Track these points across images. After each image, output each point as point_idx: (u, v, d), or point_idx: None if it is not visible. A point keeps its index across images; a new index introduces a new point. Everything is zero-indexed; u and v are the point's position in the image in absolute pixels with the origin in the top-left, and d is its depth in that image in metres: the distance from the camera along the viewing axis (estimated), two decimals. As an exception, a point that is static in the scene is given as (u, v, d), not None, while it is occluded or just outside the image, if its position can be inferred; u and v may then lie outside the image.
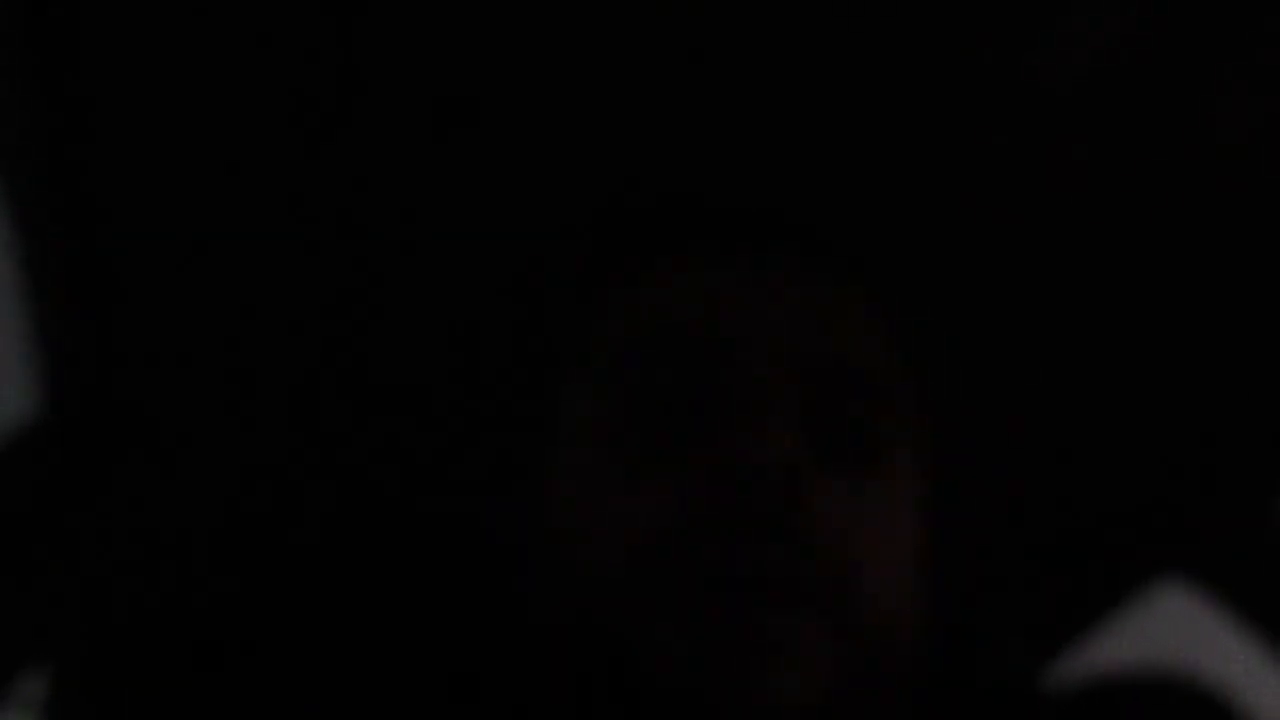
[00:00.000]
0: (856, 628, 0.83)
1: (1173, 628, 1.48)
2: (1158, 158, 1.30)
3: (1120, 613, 1.50)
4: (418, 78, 1.24)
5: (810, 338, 0.89)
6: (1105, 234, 1.34)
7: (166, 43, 1.26)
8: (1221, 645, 1.45)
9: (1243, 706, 0.89)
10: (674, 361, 0.88)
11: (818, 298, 0.91)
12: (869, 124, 1.28)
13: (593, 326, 0.94)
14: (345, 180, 1.30)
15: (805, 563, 0.83)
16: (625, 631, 0.83)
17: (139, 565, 1.33)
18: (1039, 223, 1.33)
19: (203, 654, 0.98)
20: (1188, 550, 1.49)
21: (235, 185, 1.31)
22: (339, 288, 1.34)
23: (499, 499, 0.96)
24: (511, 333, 1.09)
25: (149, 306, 1.35)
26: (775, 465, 0.82)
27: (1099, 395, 1.41)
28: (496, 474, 0.97)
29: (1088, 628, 1.50)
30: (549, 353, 0.96)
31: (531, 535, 0.91)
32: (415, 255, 1.32)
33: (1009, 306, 1.37)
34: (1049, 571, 1.48)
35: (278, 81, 1.26)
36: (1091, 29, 1.23)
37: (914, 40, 1.25)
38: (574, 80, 1.22)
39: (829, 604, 0.83)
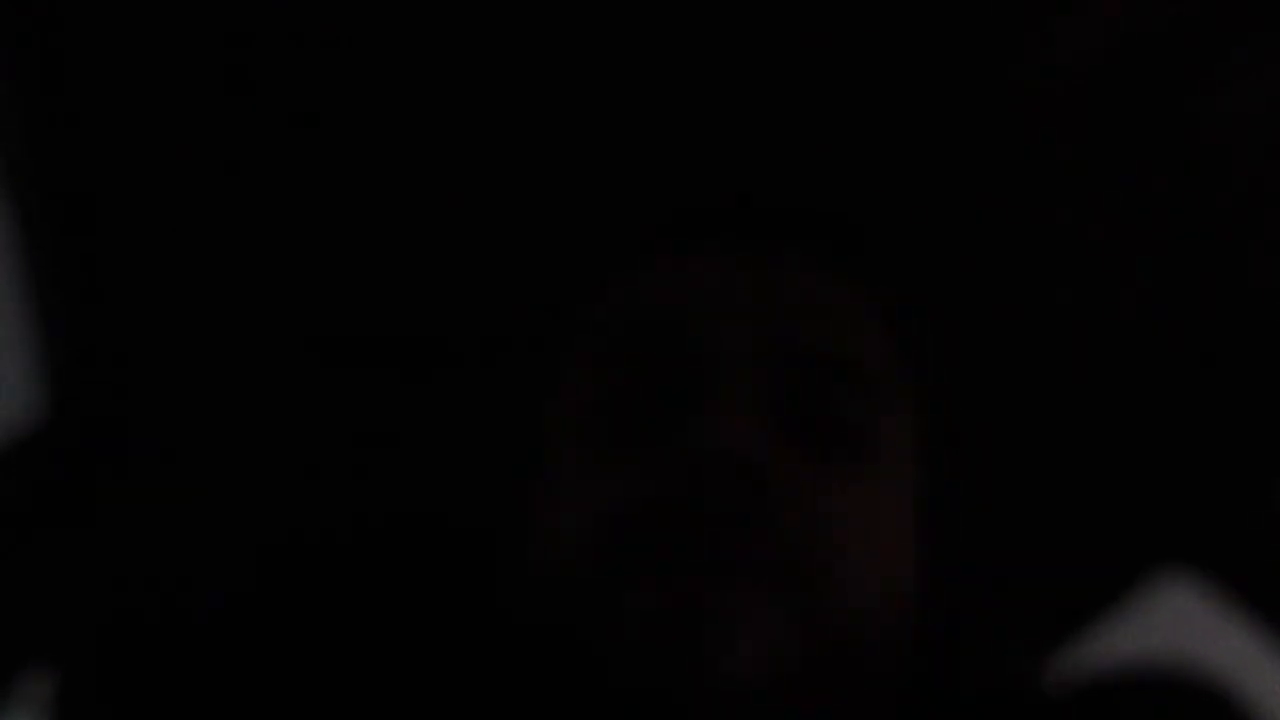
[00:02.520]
0: (824, 613, 0.83)
1: (1175, 621, 1.48)
2: (1150, 157, 1.31)
3: (1122, 606, 1.50)
4: (418, 76, 1.25)
5: (787, 326, 0.88)
6: (1103, 231, 1.34)
7: (167, 45, 1.26)
8: (1224, 637, 1.45)
9: (1245, 699, 0.89)
10: (643, 353, 0.88)
11: (802, 288, 0.91)
12: (863, 120, 1.28)
13: (576, 326, 0.94)
14: (343, 181, 1.30)
15: (765, 546, 0.82)
16: (583, 615, 0.84)
17: (143, 565, 1.33)
18: (1040, 221, 1.34)
19: (200, 654, 0.98)
20: (1189, 543, 1.49)
21: (237, 187, 1.31)
22: (338, 289, 1.34)
23: (495, 497, 0.96)
24: (503, 335, 1.10)
25: (152, 311, 1.35)
26: (736, 450, 0.83)
27: (1098, 390, 1.41)
28: (493, 475, 0.97)
29: (1089, 621, 1.50)
30: (538, 355, 0.97)
31: (514, 530, 0.91)
32: (405, 253, 1.32)
33: (1009, 304, 1.37)
34: (1050, 565, 1.48)
35: (283, 78, 1.26)
36: (1082, 31, 1.23)
37: (907, 40, 1.25)
38: (571, 77, 1.22)
39: (792, 586, 0.82)
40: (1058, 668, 1.49)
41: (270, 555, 1.07)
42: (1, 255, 1.31)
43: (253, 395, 1.38)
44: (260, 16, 1.24)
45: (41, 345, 1.33)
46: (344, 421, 1.38)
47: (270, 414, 1.39)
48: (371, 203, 1.32)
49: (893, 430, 0.89)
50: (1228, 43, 1.25)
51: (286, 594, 1.03)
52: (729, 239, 0.93)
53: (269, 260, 1.34)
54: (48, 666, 1.22)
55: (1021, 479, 1.45)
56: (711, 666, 0.80)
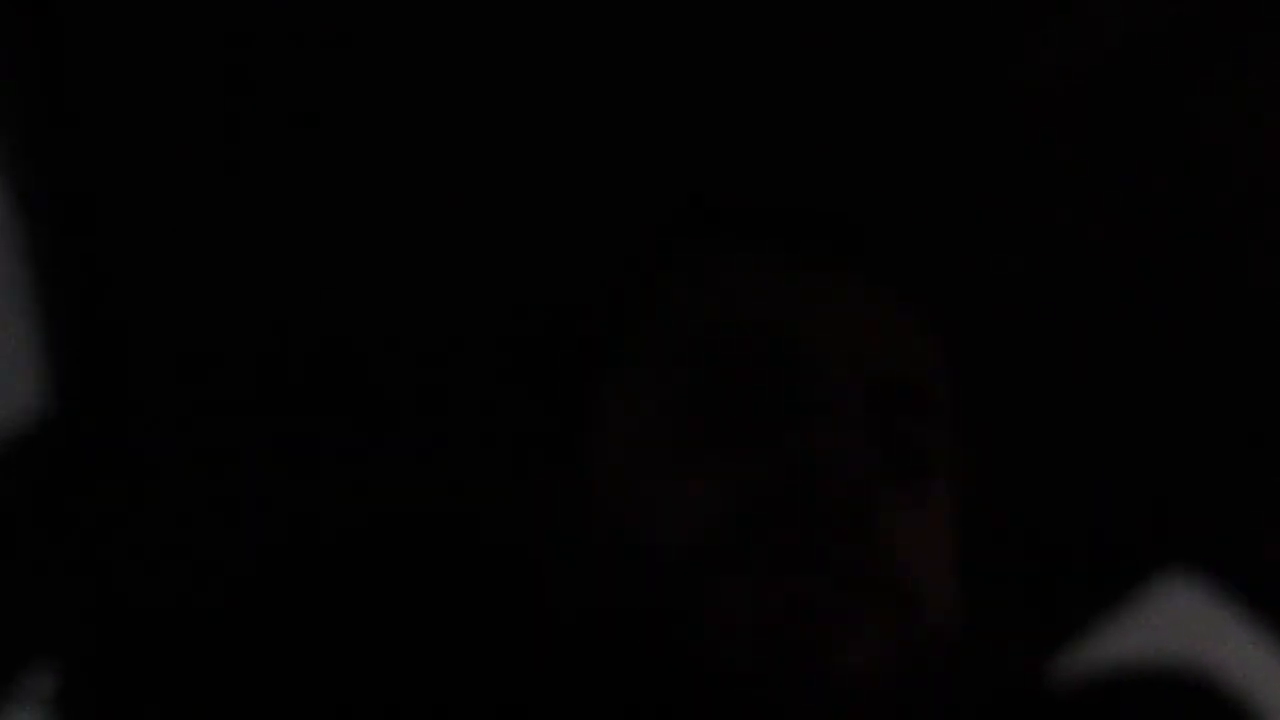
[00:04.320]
0: (910, 632, 0.84)
1: (1178, 621, 1.48)
2: (1161, 159, 1.31)
3: (1126, 607, 1.50)
4: (467, 67, 1.25)
5: (878, 349, 0.90)
6: (1103, 231, 1.34)
7: (167, 45, 1.26)
8: (1227, 638, 1.45)
9: (1249, 700, 0.89)
10: (749, 352, 0.89)
11: (884, 310, 0.93)
12: (862, 121, 1.28)
13: (655, 311, 0.94)
14: (373, 168, 1.30)
15: (871, 562, 0.84)
16: (688, 608, 0.84)
17: (146, 563, 1.33)
18: (1040, 221, 1.34)
19: (218, 650, 0.97)
20: (1192, 543, 1.49)
21: (237, 187, 1.31)
22: (368, 272, 1.34)
23: (535, 483, 0.96)
24: (556, 317, 1.09)
25: (152, 310, 1.35)
26: (852, 463, 0.84)
27: (1099, 390, 1.41)
28: (533, 457, 0.97)
29: (1094, 622, 1.50)
30: (597, 335, 0.96)
31: (577, 517, 0.91)
32: (412, 248, 1.32)
33: (1009, 304, 1.37)
34: (1056, 566, 1.48)
35: (283, 78, 1.26)
36: (1092, 32, 1.23)
37: (908, 41, 1.25)
38: (650, 74, 1.22)
39: (888, 605, 0.84)
40: (1063, 668, 1.49)
41: (278, 553, 1.07)
42: (3, 255, 1.31)
43: (255, 393, 1.38)
44: (260, 16, 1.24)
45: (43, 344, 1.33)
46: (350, 418, 1.38)
47: (273, 411, 1.39)
48: (374, 200, 1.32)
49: (947, 452, 0.91)
50: (1228, 43, 1.25)
51: (294, 593, 1.03)
52: (812, 247, 0.94)
53: (270, 259, 1.34)
54: (50, 664, 1.22)
55: (1024, 479, 1.45)
56: (817, 666, 0.82)
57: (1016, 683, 0.98)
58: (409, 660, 0.94)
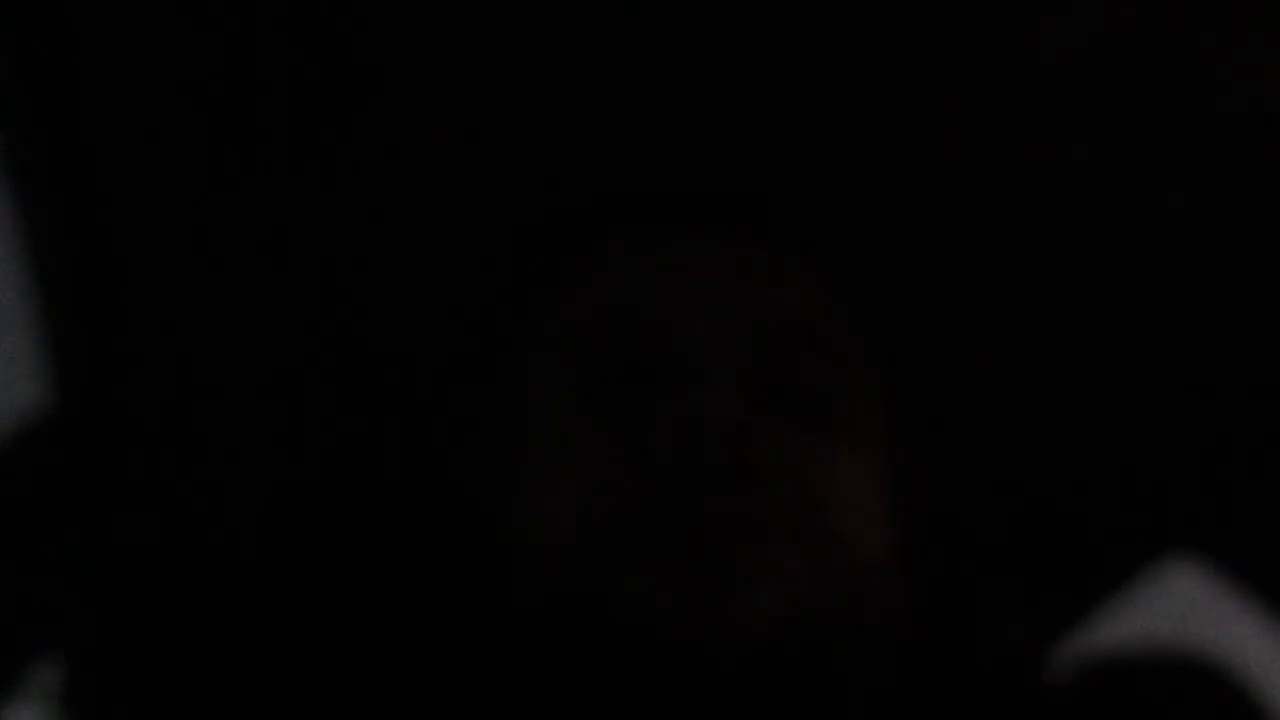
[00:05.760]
0: (829, 557, 0.85)
1: (1181, 605, 1.48)
2: (1155, 142, 1.31)
3: (1129, 590, 1.50)
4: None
5: (751, 302, 0.94)
6: (1103, 230, 1.34)
7: (168, 44, 1.27)
8: (1230, 622, 1.45)
9: (1252, 683, 0.89)
10: (620, 340, 0.92)
11: (756, 266, 0.97)
12: (861, 118, 1.29)
13: (545, 317, 0.97)
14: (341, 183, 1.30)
15: (760, 499, 0.85)
16: (592, 593, 0.86)
17: (146, 558, 1.33)
18: (1041, 219, 1.34)
19: (217, 645, 0.98)
20: (1195, 527, 1.49)
21: (237, 186, 1.31)
22: (331, 283, 1.34)
23: (479, 496, 0.97)
24: (475, 332, 1.11)
25: (155, 306, 1.35)
26: (718, 417, 0.86)
27: (1102, 385, 1.41)
28: (477, 474, 0.99)
29: (1096, 606, 1.50)
30: (510, 347, 0.99)
31: (505, 521, 0.93)
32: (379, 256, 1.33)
33: (1012, 302, 1.37)
34: (1056, 550, 1.48)
35: (288, 77, 1.26)
36: (1087, 15, 1.24)
37: (906, 40, 1.26)
38: (514, 80, 1.22)
39: (795, 534, 0.85)
40: (1067, 650, 1.49)
41: (275, 549, 1.07)
42: (3, 255, 1.31)
43: (255, 390, 1.38)
44: (260, 16, 1.24)
45: (43, 344, 1.33)
46: (350, 416, 1.39)
47: (272, 408, 1.39)
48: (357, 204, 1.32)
49: (859, 398, 0.92)
50: (1228, 43, 1.26)
51: (293, 589, 1.03)
52: (678, 227, 0.97)
53: (271, 257, 1.35)
54: (53, 660, 1.22)
55: (1030, 469, 1.44)
56: (735, 611, 0.83)
57: (1016, 664, 0.98)
58: (394, 665, 0.95)
